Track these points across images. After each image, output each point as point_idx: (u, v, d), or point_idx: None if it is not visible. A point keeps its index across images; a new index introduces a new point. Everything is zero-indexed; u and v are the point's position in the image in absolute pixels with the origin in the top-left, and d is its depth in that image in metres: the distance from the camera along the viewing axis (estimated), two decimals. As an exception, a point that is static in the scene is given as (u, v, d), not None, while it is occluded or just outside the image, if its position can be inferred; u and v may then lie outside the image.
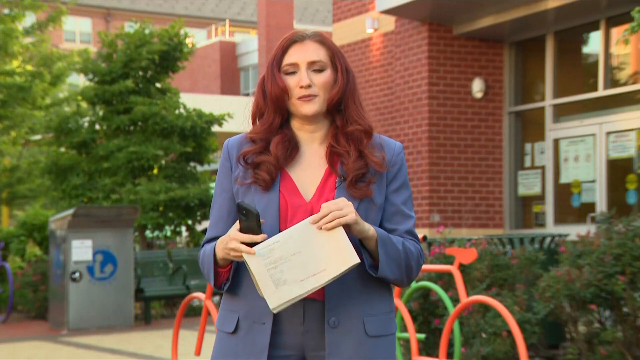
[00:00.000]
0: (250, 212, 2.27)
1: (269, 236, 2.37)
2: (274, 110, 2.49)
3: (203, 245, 2.58)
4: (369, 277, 2.48)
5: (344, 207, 2.31)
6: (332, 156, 2.50)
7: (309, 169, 2.51)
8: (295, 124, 2.54)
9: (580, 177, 11.39)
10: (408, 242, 2.50)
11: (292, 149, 2.51)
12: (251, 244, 2.32)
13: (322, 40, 2.50)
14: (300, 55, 2.47)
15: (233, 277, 2.48)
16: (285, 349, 2.47)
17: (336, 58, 2.50)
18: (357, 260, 2.31)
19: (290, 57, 2.47)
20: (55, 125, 14.72)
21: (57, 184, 14.87)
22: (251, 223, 2.29)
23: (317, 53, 2.48)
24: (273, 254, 2.31)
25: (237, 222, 2.35)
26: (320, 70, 2.47)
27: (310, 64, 2.47)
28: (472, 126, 12.24)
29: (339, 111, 2.52)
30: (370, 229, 2.38)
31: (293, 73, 2.47)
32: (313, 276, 2.32)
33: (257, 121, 2.55)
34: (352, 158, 2.46)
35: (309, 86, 2.45)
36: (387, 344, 2.51)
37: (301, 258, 2.30)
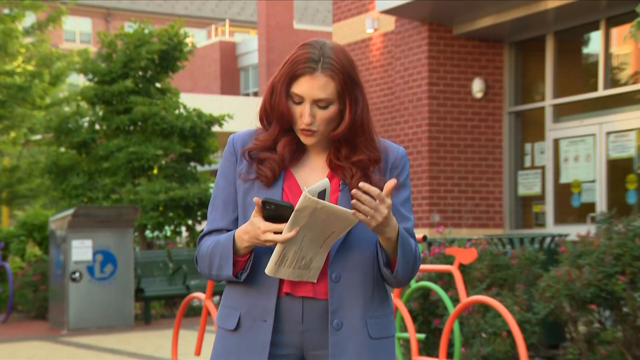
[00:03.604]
0: (282, 206, 2.31)
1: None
2: (279, 126, 2.50)
3: (201, 238, 2.57)
4: (370, 279, 2.49)
5: (378, 210, 2.30)
6: (333, 163, 2.51)
7: (314, 171, 2.52)
8: None
9: (580, 177, 11.39)
10: (417, 250, 2.52)
11: (298, 151, 2.52)
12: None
13: (333, 74, 2.43)
14: (308, 90, 2.43)
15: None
16: (285, 348, 2.48)
17: (346, 92, 2.45)
18: (356, 219, 2.33)
19: (298, 88, 2.44)
20: (55, 125, 14.72)
21: (57, 184, 14.87)
22: (283, 214, 2.32)
23: (324, 90, 2.43)
24: (288, 255, 2.36)
25: (257, 213, 2.37)
26: (324, 108, 2.45)
27: (316, 100, 2.44)
28: (472, 126, 12.24)
29: (346, 139, 2.49)
30: (391, 233, 2.37)
31: (299, 103, 2.46)
32: (328, 238, 2.37)
33: (265, 122, 2.54)
34: (355, 177, 2.46)
35: (310, 123, 2.45)
36: (388, 346, 2.52)
37: (309, 235, 2.35)
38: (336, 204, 2.45)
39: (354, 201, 2.30)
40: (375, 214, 2.30)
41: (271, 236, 2.32)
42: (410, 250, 2.45)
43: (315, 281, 2.42)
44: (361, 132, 2.48)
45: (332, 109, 2.45)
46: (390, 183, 2.33)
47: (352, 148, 2.48)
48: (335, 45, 2.49)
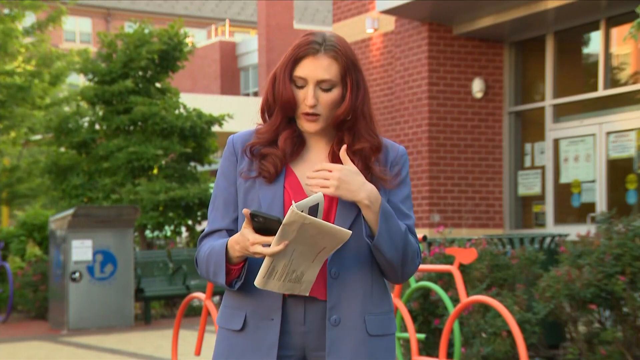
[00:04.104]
0: (270, 220, 2.29)
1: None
2: (281, 114, 2.50)
3: (202, 239, 2.56)
4: (369, 276, 2.48)
5: (328, 178, 2.36)
6: (335, 157, 2.50)
7: (313, 167, 2.50)
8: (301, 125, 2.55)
9: (580, 177, 11.39)
10: (410, 234, 2.49)
11: (299, 145, 2.52)
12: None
13: (337, 55, 2.46)
14: (311, 71, 2.44)
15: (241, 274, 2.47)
16: (288, 349, 2.47)
17: (348, 75, 2.47)
18: (349, 232, 2.33)
19: (301, 70, 2.45)
20: (55, 125, 14.73)
21: (57, 184, 14.87)
22: (271, 227, 2.31)
23: (328, 71, 2.44)
24: (277, 268, 2.33)
25: (247, 224, 2.35)
26: (327, 90, 2.45)
27: (319, 82, 2.45)
28: (472, 126, 12.24)
29: (348, 126, 2.49)
30: (368, 201, 2.37)
31: (301, 87, 2.46)
32: (319, 253, 2.35)
33: (266, 115, 2.54)
34: (357, 166, 2.45)
35: (314, 106, 2.45)
36: (387, 344, 2.51)
37: (299, 249, 2.33)
38: (337, 199, 2.45)
39: (307, 181, 2.37)
40: (326, 182, 2.35)
41: (259, 248, 2.31)
42: (398, 229, 2.42)
43: (308, 294, 2.41)
44: (362, 117, 2.49)
45: (335, 93, 2.46)
46: (343, 148, 2.40)
47: (354, 135, 2.49)
48: (337, 34, 2.53)
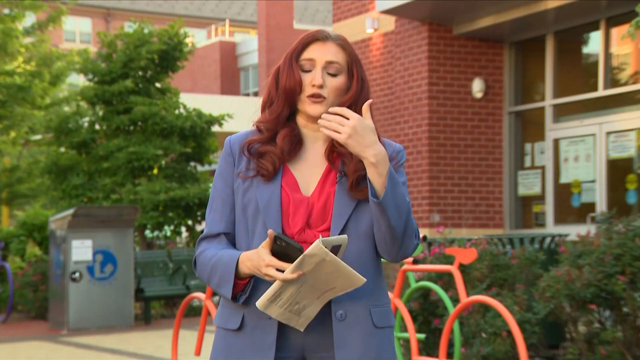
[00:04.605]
0: (292, 246, 2.28)
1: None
2: (284, 102, 2.50)
3: (200, 242, 2.55)
4: (371, 270, 2.49)
5: (344, 125, 2.34)
6: (332, 154, 2.50)
7: (310, 166, 2.52)
8: (300, 121, 2.55)
9: (580, 177, 11.39)
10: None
11: (296, 143, 2.52)
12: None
13: (344, 45, 2.52)
14: (320, 53, 2.48)
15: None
16: (287, 350, 2.47)
17: (354, 65, 2.52)
18: (363, 280, 2.34)
19: (309, 53, 2.49)
20: (55, 125, 14.73)
21: (57, 184, 14.88)
22: (290, 253, 2.30)
23: (336, 55, 2.49)
24: (283, 295, 2.33)
25: (266, 245, 2.34)
26: (334, 75, 2.48)
27: (327, 64, 2.48)
28: (472, 126, 12.24)
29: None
30: (375, 158, 2.35)
31: (308, 71, 2.48)
32: (327, 292, 2.36)
33: (266, 110, 2.55)
34: (354, 160, 2.46)
35: (321, 87, 2.46)
36: (390, 335, 2.53)
37: (309, 282, 2.33)
38: (333, 196, 2.46)
39: (320, 121, 2.36)
40: (340, 127, 2.33)
41: (272, 272, 2.31)
42: (403, 196, 2.40)
43: (303, 330, 2.41)
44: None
45: (342, 79, 2.49)
46: (367, 102, 2.39)
47: None
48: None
